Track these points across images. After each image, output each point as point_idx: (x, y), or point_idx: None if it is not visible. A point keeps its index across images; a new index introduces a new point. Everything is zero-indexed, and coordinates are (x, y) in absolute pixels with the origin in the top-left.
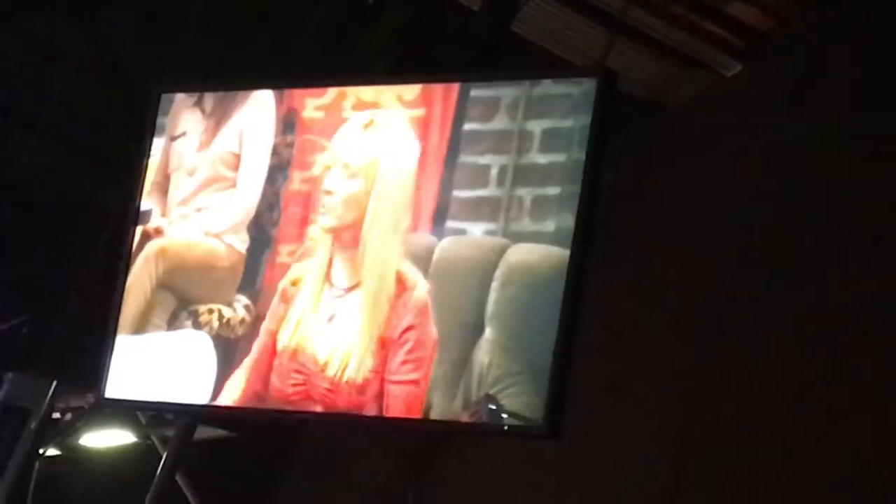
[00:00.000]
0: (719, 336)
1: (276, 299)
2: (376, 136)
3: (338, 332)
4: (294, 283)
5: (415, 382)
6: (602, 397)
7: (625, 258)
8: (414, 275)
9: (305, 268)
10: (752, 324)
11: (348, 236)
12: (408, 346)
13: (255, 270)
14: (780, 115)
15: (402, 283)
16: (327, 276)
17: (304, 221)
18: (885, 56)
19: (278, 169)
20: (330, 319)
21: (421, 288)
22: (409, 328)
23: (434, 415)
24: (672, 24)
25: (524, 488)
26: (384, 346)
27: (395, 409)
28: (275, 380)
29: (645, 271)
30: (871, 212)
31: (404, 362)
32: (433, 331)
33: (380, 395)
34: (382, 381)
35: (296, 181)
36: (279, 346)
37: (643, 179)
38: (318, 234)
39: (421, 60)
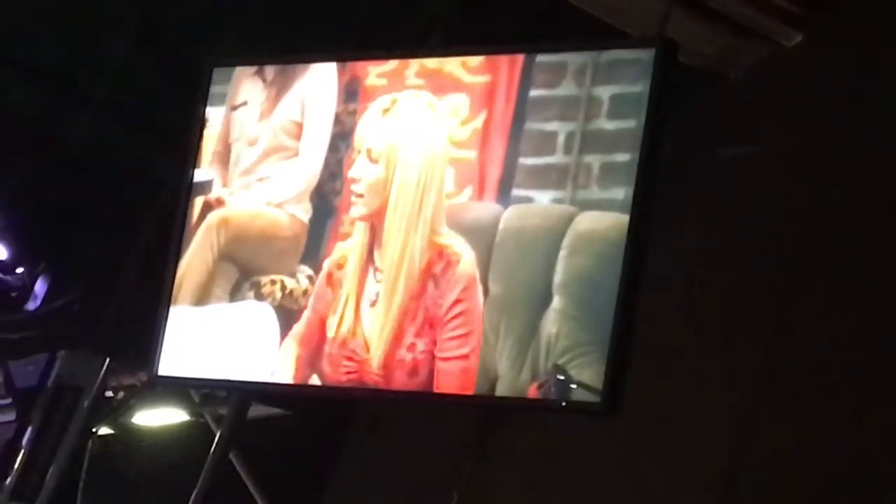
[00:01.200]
0: (781, 310)
1: (321, 280)
2: (396, 120)
3: (382, 315)
4: (339, 266)
5: (464, 357)
6: (660, 372)
7: (683, 230)
8: (460, 247)
9: (348, 248)
10: (815, 297)
11: (378, 222)
12: (456, 322)
13: (319, 241)
14: (842, 86)
15: (445, 259)
16: (370, 259)
17: None
18: None
19: (341, 137)
20: (373, 304)
21: (467, 260)
22: (455, 302)
23: (502, 387)
24: None
25: (581, 462)
26: (432, 326)
27: (446, 386)
28: (327, 368)
29: (704, 242)
30: None
31: (452, 338)
32: (480, 303)
33: (431, 374)
34: (433, 359)
35: None
36: (329, 333)
37: (701, 151)
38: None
39: (477, 28)
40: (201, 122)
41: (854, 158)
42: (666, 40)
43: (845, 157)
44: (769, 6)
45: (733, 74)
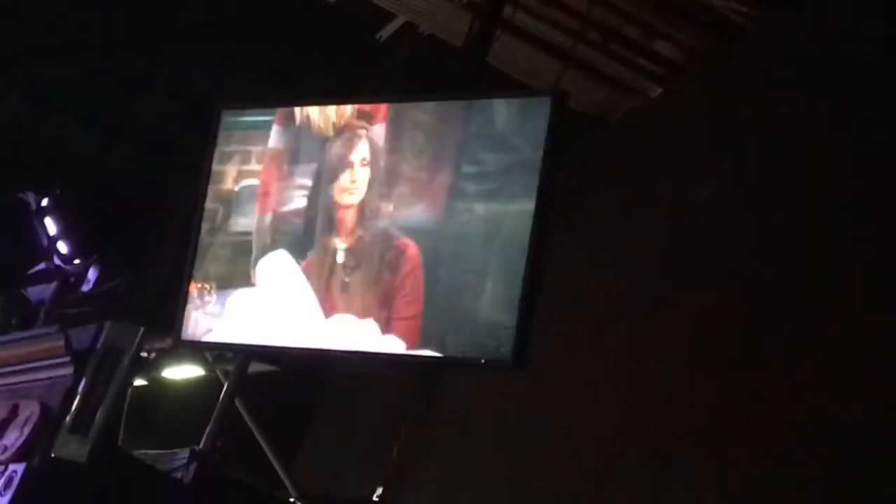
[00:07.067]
0: (650, 321)
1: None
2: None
3: (354, 297)
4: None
5: (412, 317)
6: (563, 339)
7: (577, 236)
8: (406, 239)
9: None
10: (678, 314)
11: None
12: (405, 290)
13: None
14: (692, 127)
15: (398, 249)
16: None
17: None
18: (777, 89)
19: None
20: (344, 288)
21: (412, 248)
22: (405, 278)
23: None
24: (610, 57)
25: (502, 413)
26: (392, 297)
27: (400, 345)
28: (317, 337)
29: (589, 250)
30: (780, 206)
31: (404, 304)
32: (423, 278)
33: (391, 335)
34: (389, 321)
35: None
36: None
37: (587, 178)
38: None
39: (423, 83)
40: (210, 156)
41: (706, 186)
42: (560, 90)
43: (696, 184)
44: (639, 68)
45: (610, 118)
